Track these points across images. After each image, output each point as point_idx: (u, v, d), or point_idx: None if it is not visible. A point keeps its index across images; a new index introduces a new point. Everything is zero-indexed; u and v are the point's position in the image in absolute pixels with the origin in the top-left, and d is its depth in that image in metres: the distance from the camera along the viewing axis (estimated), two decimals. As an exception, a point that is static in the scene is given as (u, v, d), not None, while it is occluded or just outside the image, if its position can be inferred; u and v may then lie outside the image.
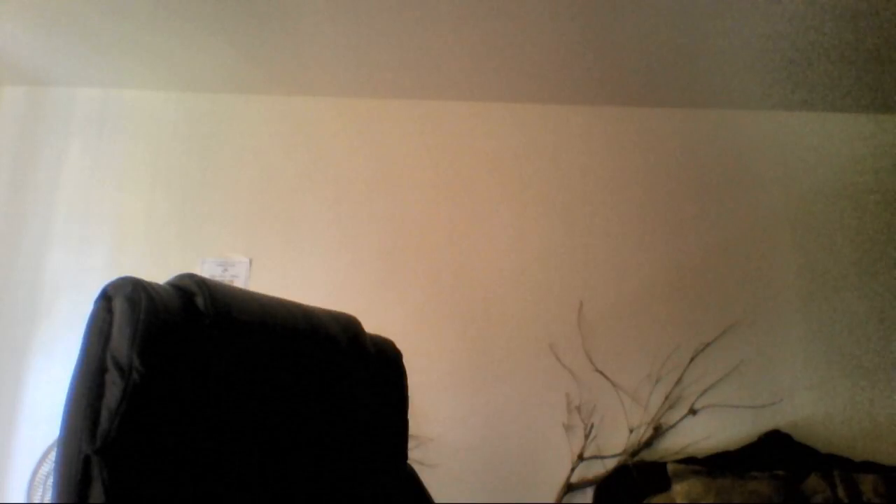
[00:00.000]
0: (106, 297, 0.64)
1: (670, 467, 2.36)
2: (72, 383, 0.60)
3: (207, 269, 2.73)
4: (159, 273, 0.94)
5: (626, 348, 2.69)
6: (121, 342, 0.60)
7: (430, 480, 1.07)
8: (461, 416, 2.61)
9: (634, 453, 2.54)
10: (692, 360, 2.66)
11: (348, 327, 0.90)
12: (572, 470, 2.52)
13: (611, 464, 2.53)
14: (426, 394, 2.60)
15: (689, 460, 2.46)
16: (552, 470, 2.54)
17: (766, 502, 2.17)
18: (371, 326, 0.97)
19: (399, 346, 1.04)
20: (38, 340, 2.65)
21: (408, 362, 1.03)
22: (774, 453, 2.46)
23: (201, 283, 0.70)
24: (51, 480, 2.16)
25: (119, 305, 0.62)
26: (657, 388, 2.64)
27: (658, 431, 2.57)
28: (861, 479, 2.26)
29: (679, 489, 2.27)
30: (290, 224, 2.81)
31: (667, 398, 2.62)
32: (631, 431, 2.59)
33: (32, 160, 2.84)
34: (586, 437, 2.56)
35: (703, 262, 2.79)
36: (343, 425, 0.83)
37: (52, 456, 2.23)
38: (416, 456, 2.46)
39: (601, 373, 2.65)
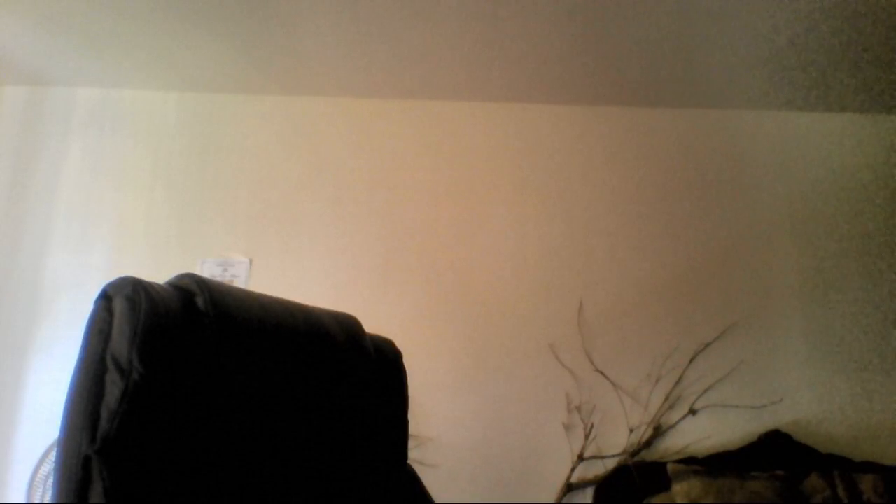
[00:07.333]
0: (106, 297, 0.64)
1: (670, 467, 2.36)
2: (72, 383, 0.60)
3: (207, 270, 2.73)
4: (159, 273, 0.94)
5: (626, 348, 2.69)
6: (121, 342, 0.60)
7: (430, 480, 1.07)
8: (461, 416, 2.61)
9: (634, 453, 2.54)
10: (692, 360, 2.66)
11: (348, 327, 0.90)
12: (572, 470, 2.52)
13: (611, 464, 2.53)
14: (426, 394, 2.60)
15: (689, 460, 2.45)
16: (552, 470, 2.54)
17: (766, 502, 2.17)
18: (371, 326, 0.97)
19: (399, 346, 1.04)
20: (38, 340, 2.65)
21: (408, 362, 1.03)
22: (774, 453, 2.46)
23: (201, 283, 0.70)
24: (51, 480, 2.16)
25: (119, 305, 0.62)
26: (657, 388, 2.64)
27: (658, 431, 2.57)
28: (861, 479, 2.26)
29: (679, 489, 2.27)
30: (290, 224, 2.81)
31: (667, 398, 2.62)
32: (631, 431, 2.59)
33: (32, 160, 2.84)
34: (586, 437, 2.56)
35: (703, 262, 2.79)
36: (343, 425, 0.82)
37: (52, 456, 2.23)
38: (416, 456, 2.46)
39: (601, 373, 2.65)
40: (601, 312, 2.73)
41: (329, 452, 0.80)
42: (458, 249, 2.79)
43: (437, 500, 0.98)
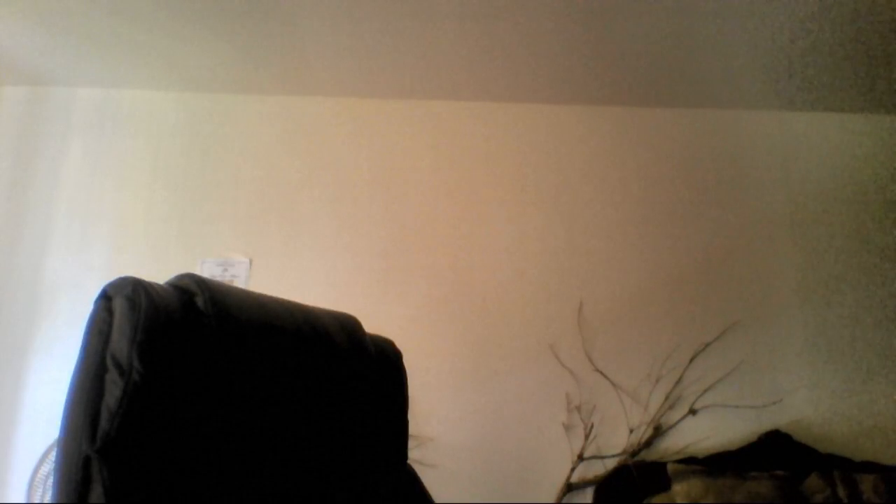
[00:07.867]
0: (106, 297, 0.64)
1: (670, 467, 2.36)
2: (72, 383, 0.60)
3: (207, 269, 2.73)
4: (159, 273, 0.94)
5: (626, 348, 2.69)
6: (121, 342, 0.60)
7: (430, 480, 1.07)
8: (461, 416, 2.61)
9: (634, 453, 2.54)
10: (692, 360, 2.66)
11: (348, 327, 0.90)
12: (572, 470, 2.52)
13: (611, 464, 2.53)
14: (426, 394, 2.60)
15: (689, 460, 2.45)
16: (552, 470, 2.54)
17: (766, 502, 2.17)
18: (371, 326, 0.97)
19: (399, 346, 1.04)
20: (38, 340, 2.65)
21: (408, 362, 1.03)
22: (774, 453, 2.46)
23: (201, 282, 0.70)
24: (51, 480, 2.15)
25: (119, 305, 0.62)
26: (657, 388, 2.64)
27: (658, 431, 2.57)
28: (861, 479, 2.26)
29: (679, 489, 2.27)
30: (290, 224, 2.81)
31: (667, 398, 2.62)
32: (631, 431, 2.59)
33: (32, 160, 2.84)
34: (586, 437, 2.56)
35: (703, 262, 2.79)
36: (343, 425, 0.82)
37: (52, 456, 2.23)
38: (416, 456, 2.46)
39: (601, 373, 2.65)
40: (601, 312, 2.73)
41: (329, 452, 0.80)
42: (458, 249, 2.79)
43: (437, 500, 0.98)
